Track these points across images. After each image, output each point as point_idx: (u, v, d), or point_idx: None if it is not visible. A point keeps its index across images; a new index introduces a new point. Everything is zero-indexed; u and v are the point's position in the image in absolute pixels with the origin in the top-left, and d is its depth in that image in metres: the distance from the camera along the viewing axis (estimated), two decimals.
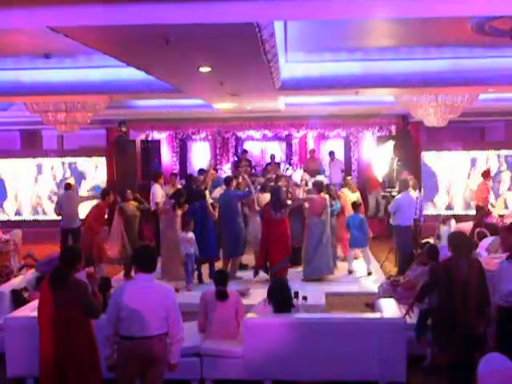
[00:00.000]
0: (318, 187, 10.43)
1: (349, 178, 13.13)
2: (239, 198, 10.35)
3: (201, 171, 13.06)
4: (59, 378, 4.88)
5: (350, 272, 10.75)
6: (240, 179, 11.20)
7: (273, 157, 16.51)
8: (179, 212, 9.92)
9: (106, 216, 10.94)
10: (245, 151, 16.51)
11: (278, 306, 6.21)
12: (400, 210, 10.17)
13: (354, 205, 11.03)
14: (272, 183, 11.48)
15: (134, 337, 4.65)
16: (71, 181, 13.87)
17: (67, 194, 12.11)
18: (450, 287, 5.40)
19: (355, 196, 11.94)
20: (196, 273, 10.00)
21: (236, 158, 17.26)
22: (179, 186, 11.50)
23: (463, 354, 5.37)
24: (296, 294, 6.67)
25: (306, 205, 10.45)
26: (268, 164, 16.28)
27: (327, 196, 10.49)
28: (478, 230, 9.84)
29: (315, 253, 10.14)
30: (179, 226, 9.96)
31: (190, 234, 9.55)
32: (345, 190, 12.14)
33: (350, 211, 11.26)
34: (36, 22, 4.50)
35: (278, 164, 16.55)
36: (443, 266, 5.71)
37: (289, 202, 10.21)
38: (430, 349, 6.01)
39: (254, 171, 15.63)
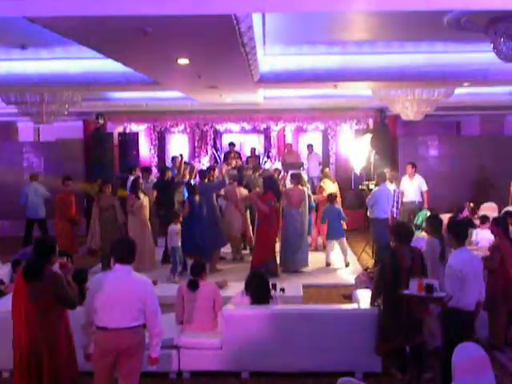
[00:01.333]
0: (297, 179, 10.49)
1: (326, 169, 13.21)
2: (215, 190, 10.36)
3: (173, 159, 13.02)
4: (34, 370, 4.84)
5: (328, 264, 10.82)
6: (217, 172, 11.22)
7: (253, 150, 16.51)
8: (141, 202, 10.04)
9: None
10: (232, 144, 16.44)
11: (255, 297, 6.25)
12: (377, 203, 10.26)
13: (330, 196, 11.10)
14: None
15: (109, 328, 4.65)
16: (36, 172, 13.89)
17: (32, 185, 12.56)
18: (395, 274, 5.72)
19: (335, 186, 12.06)
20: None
21: (215, 151, 17.24)
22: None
23: (407, 339, 5.79)
24: (274, 285, 6.72)
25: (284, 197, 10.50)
26: (248, 157, 16.28)
27: (305, 188, 10.57)
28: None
29: (297, 245, 10.20)
30: (145, 215, 10.15)
31: (178, 226, 9.54)
32: (326, 181, 12.23)
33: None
34: (13, 12, 4.45)
35: (259, 157, 16.57)
36: (389, 254, 5.92)
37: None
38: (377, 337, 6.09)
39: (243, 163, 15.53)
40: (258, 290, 6.28)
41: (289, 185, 11.24)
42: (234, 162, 13.59)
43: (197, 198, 10.01)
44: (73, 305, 4.95)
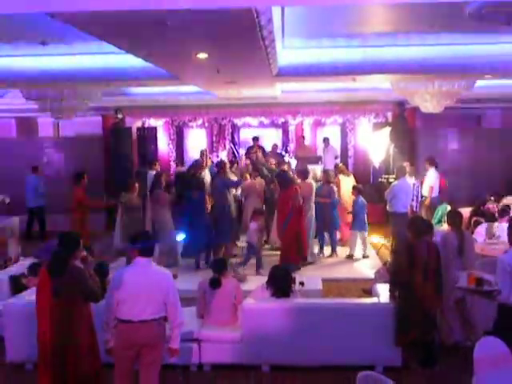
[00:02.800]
0: (303, 174, 10.53)
1: (340, 164, 13.12)
2: (228, 186, 10.35)
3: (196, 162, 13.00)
4: (57, 363, 4.91)
5: (351, 256, 10.84)
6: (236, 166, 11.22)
7: (275, 146, 16.46)
8: (167, 195, 10.00)
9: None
10: (256, 138, 16.37)
11: (277, 291, 6.26)
12: (396, 197, 10.21)
13: (356, 189, 11.06)
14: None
15: (132, 320, 4.71)
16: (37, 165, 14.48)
17: (33, 177, 13.83)
18: (411, 270, 5.79)
19: (351, 180, 12.01)
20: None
21: (232, 145, 17.24)
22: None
23: (423, 333, 5.88)
24: (293, 279, 6.72)
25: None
26: (269, 152, 16.22)
27: (313, 182, 10.58)
28: (474, 218, 9.92)
29: (309, 238, 10.23)
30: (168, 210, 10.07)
31: (258, 223, 9.65)
32: (340, 176, 12.18)
33: (348, 196, 11.34)
34: (34, 8, 4.48)
35: (281, 154, 16.52)
36: (405, 248, 5.94)
37: None
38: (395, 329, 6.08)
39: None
40: (280, 284, 6.30)
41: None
42: (255, 156, 13.55)
43: (195, 193, 10.03)
44: (96, 298, 5.01)
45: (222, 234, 10.19)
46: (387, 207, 10.54)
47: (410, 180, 10.89)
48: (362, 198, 10.98)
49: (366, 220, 10.95)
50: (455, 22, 6.99)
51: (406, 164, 11.15)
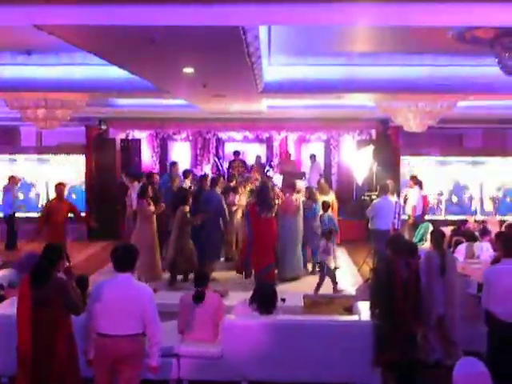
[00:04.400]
0: (291, 188, 10.61)
1: (322, 181, 13.16)
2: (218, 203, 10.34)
3: (172, 164, 13.00)
4: (37, 375, 4.87)
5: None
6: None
7: (258, 158, 16.56)
8: (153, 208, 9.91)
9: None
10: (237, 152, 16.48)
11: (261, 307, 6.25)
12: (378, 215, 10.28)
13: (324, 204, 11.13)
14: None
15: (109, 334, 4.68)
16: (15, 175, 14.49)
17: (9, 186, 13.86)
18: (390, 288, 5.76)
19: (330, 198, 12.09)
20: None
21: (217, 159, 17.29)
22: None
23: (403, 353, 5.81)
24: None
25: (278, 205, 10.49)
26: (253, 165, 16.31)
27: (300, 196, 10.63)
28: (455, 238, 10.01)
29: (292, 253, 10.28)
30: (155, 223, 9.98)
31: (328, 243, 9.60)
32: (317, 194, 12.23)
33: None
34: (20, 20, 4.48)
35: (264, 166, 16.61)
36: (384, 267, 5.97)
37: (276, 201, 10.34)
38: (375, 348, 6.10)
39: (247, 172, 15.54)
40: (265, 301, 6.29)
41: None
42: (237, 170, 13.63)
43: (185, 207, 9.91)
44: (78, 311, 4.98)
45: (213, 252, 10.21)
46: (369, 224, 10.59)
47: (392, 198, 10.96)
48: (328, 213, 11.03)
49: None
50: (439, 43, 7.10)
51: (390, 182, 11.22)
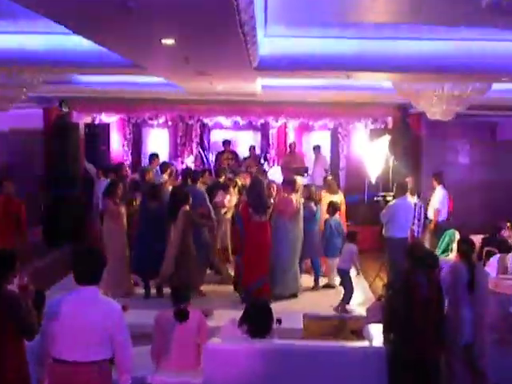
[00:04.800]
0: (291, 186, 10.53)
1: (329, 177, 13.20)
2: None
3: (152, 156, 13.02)
4: None
5: (333, 287, 10.99)
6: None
7: (252, 149, 16.56)
8: (122, 210, 9.96)
9: None
10: (227, 142, 16.49)
11: (253, 329, 6.22)
12: (394, 219, 10.26)
13: (331, 206, 11.17)
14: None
15: (68, 361, 4.64)
16: None
17: None
18: (408, 308, 5.70)
19: (338, 198, 12.11)
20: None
21: (201, 150, 17.27)
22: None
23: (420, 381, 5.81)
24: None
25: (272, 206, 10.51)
26: (246, 158, 16.31)
27: (301, 197, 10.61)
28: (486, 248, 10.03)
29: (288, 265, 10.25)
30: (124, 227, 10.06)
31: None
32: (323, 193, 12.26)
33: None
34: None
35: (259, 157, 16.61)
36: (401, 282, 5.97)
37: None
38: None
39: (238, 165, 15.58)
40: (259, 322, 6.26)
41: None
42: (226, 163, 13.66)
43: (154, 203, 10.05)
44: (32, 333, 4.93)
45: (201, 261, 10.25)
46: (383, 231, 10.59)
47: (412, 199, 10.96)
48: (335, 217, 11.13)
49: (339, 244, 11.03)
50: (470, 13, 7.09)
51: (409, 180, 11.23)
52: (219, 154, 16.44)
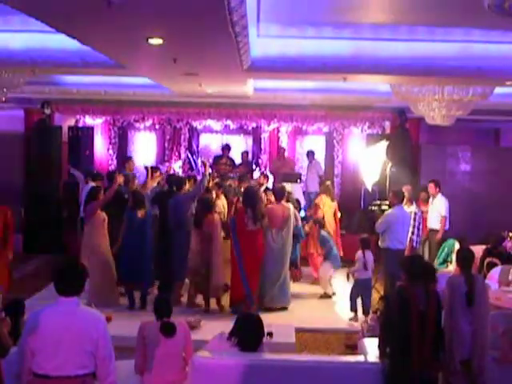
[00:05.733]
0: (280, 194, 10.59)
1: (328, 182, 13.23)
2: (191, 200, 10.35)
3: (127, 159, 13.06)
4: None
5: (332, 295, 11.22)
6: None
7: (245, 154, 16.58)
8: (104, 217, 10.04)
9: None
10: (227, 147, 16.49)
11: (243, 343, 6.22)
12: (390, 229, 10.25)
13: (317, 223, 11.48)
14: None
15: (49, 375, 4.62)
16: None
17: None
18: (405, 322, 5.73)
19: (333, 205, 12.25)
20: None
21: (190, 154, 17.28)
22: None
23: None
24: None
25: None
26: (239, 165, 16.32)
27: (290, 205, 10.64)
28: (488, 259, 10.06)
29: (277, 275, 10.26)
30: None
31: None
32: (324, 198, 12.30)
33: (329, 222, 11.76)
34: None
35: (251, 164, 16.63)
36: (397, 294, 5.98)
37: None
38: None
39: (232, 174, 15.54)
40: (249, 335, 6.26)
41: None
42: (223, 169, 13.65)
43: (139, 213, 10.08)
44: (2, 351, 4.91)
45: (180, 270, 10.25)
46: (379, 242, 10.59)
47: (409, 208, 10.98)
48: (324, 233, 11.40)
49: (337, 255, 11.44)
50: (471, 14, 7.14)
51: (406, 188, 11.23)
52: (217, 158, 16.44)
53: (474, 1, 6.29)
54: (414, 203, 11.45)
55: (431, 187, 12.22)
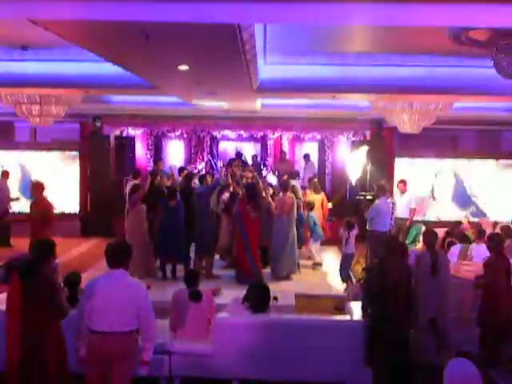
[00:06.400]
0: (285, 187, 10.63)
1: (315, 180, 13.23)
2: (211, 191, 10.35)
3: (181, 169, 13.01)
4: (24, 372, 4.85)
5: (319, 264, 11.32)
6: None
7: (255, 157, 16.54)
8: (143, 207, 10.05)
9: None
10: (240, 154, 16.43)
11: (255, 307, 6.25)
12: (379, 216, 10.20)
13: (308, 205, 11.54)
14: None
15: (103, 331, 4.66)
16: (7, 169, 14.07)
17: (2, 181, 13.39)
18: (382, 286, 5.77)
19: (319, 197, 12.32)
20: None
21: (211, 158, 17.26)
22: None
23: (395, 353, 5.80)
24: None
25: (273, 204, 10.54)
26: (250, 165, 16.25)
27: (293, 195, 10.64)
28: (448, 239, 10.02)
29: (283, 251, 10.28)
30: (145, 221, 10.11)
31: None
32: (308, 192, 12.49)
33: (318, 210, 11.89)
34: (16, 14, 4.46)
35: (259, 164, 16.58)
36: (377, 267, 5.98)
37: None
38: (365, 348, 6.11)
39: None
40: (259, 301, 6.29)
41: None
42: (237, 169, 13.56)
43: (171, 202, 10.04)
44: (62, 316, 4.94)
45: (209, 246, 10.22)
46: (368, 226, 10.47)
47: (389, 199, 10.95)
48: (311, 214, 11.47)
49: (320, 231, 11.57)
50: (434, 44, 7.10)
51: (385, 183, 11.16)
52: (231, 161, 16.38)
53: (436, 33, 6.27)
54: (392, 195, 11.43)
55: (401, 186, 12.21)
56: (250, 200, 9.96)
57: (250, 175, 11.51)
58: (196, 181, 11.07)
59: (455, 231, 10.88)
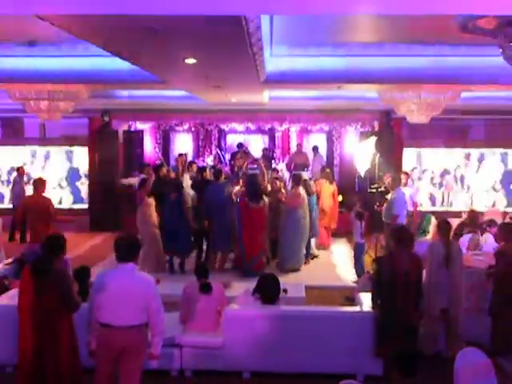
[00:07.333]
0: (297, 180, 10.59)
1: (327, 169, 13.18)
2: (227, 187, 10.35)
3: (190, 164, 13.01)
4: (37, 367, 4.89)
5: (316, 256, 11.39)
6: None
7: (265, 150, 16.51)
8: (151, 201, 10.00)
9: None
10: (240, 144, 16.41)
11: (264, 298, 6.27)
12: (399, 208, 10.03)
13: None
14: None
15: (112, 325, 4.67)
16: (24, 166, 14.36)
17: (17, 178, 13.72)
18: (392, 278, 5.70)
19: (332, 188, 12.27)
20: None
21: (219, 151, 17.28)
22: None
23: (405, 344, 5.70)
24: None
25: (283, 197, 10.54)
26: (260, 158, 16.23)
27: (304, 191, 10.61)
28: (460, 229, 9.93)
29: (290, 244, 10.28)
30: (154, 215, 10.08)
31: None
32: (322, 181, 12.35)
33: (327, 203, 11.85)
34: (23, 10, 4.46)
35: (270, 158, 16.56)
36: (387, 257, 5.96)
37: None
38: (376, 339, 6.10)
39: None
40: (270, 292, 6.30)
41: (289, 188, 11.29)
42: (240, 162, 13.55)
43: (172, 195, 10.03)
44: (74, 309, 4.97)
45: (225, 243, 10.21)
46: (383, 217, 10.34)
47: (404, 190, 10.85)
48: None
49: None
50: (442, 33, 7.06)
51: (389, 175, 11.05)
52: (234, 154, 16.41)
53: (444, 22, 6.23)
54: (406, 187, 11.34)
55: (404, 178, 12.06)
56: (248, 191, 9.96)
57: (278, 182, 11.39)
58: (209, 173, 11.05)
59: (467, 221, 10.77)
